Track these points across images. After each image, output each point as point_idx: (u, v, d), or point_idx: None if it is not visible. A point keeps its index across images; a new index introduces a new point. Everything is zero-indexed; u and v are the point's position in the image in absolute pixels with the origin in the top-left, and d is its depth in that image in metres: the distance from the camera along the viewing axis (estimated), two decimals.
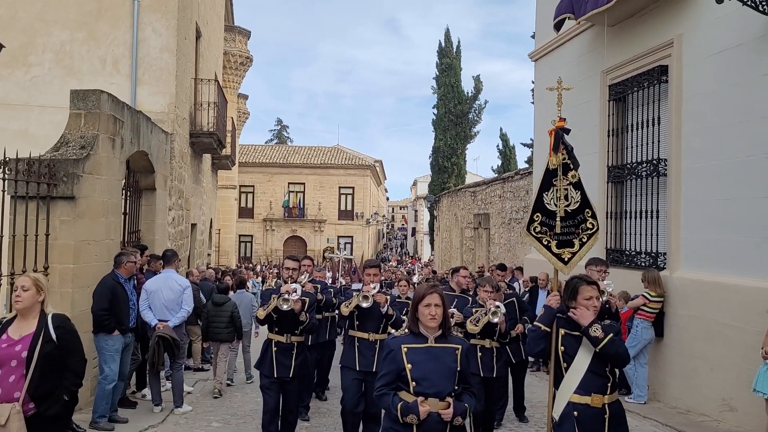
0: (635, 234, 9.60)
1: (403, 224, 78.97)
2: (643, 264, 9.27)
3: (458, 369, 3.64)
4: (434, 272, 23.31)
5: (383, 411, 3.73)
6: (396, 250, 70.54)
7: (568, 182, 5.11)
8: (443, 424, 3.53)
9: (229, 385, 9.68)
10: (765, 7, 6.92)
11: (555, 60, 12.47)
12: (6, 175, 6.77)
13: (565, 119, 5.27)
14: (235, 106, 29.62)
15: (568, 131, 5.21)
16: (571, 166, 5.14)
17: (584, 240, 5.09)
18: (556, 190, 5.11)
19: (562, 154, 5.12)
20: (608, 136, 10.26)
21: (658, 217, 9.03)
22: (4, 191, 6.69)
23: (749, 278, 7.27)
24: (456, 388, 3.62)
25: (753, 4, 6.92)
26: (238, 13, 71.43)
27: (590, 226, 5.09)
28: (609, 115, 10.28)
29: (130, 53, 11.66)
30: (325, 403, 8.71)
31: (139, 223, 10.46)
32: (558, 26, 10.68)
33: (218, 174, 23.29)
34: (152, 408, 7.90)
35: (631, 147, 9.78)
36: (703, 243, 8.16)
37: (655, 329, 8.55)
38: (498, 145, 36.31)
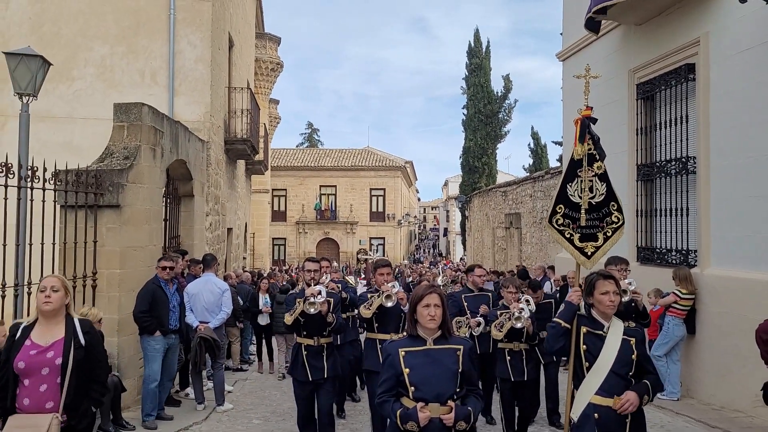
0: (666, 232, 9.64)
1: (435, 224, 78.98)
2: (674, 261, 9.31)
3: (460, 370, 3.51)
4: (458, 272, 23.44)
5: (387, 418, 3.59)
6: (428, 251, 70.61)
7: (593, 173, 4.92)
8: (446, 429, 3.40)
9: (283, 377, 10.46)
10: None
11: (583, 59, 12.50)
12: (56, 186, 7.19)
13: (591, 108, 5.11)
14: (267, 111, 30.12)
15: (594, 120, 5.05)
16: (597, 157, 4.94)
17: (609, 234, 4.90)
18: (581, 181, 4.92)
19: (588, 144, 4.93)
20: (637, 134, 10.31)
21: (688, 215, 9.07)
22: (55, 201, 7.10)
23: None
24: (458, 390, 3.50)
25: None
26: (268, 18, 72.35)
27: (615, 220, 4.89)
28: (637, 114, 10.33)
29: (167, 65, 12.09)
30: (360, 403, 8.86)
31: (178, 228, 10.87)
32: (590, 26, 10.66)
33: (252, 179, 23.77)
34: (195, 406, 8.25)
35: (660, 145, 9.82)
36: (732, 240, 8.18)
37: (687, 326, 8.60)
38: (529, 144, 36.21)
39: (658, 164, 9.83)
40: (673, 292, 8.50)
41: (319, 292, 5.82)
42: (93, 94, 12.11)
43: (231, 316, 9.04)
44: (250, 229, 24.38)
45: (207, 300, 8.21)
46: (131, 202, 8.12)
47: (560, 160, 29.36)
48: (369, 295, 6.18)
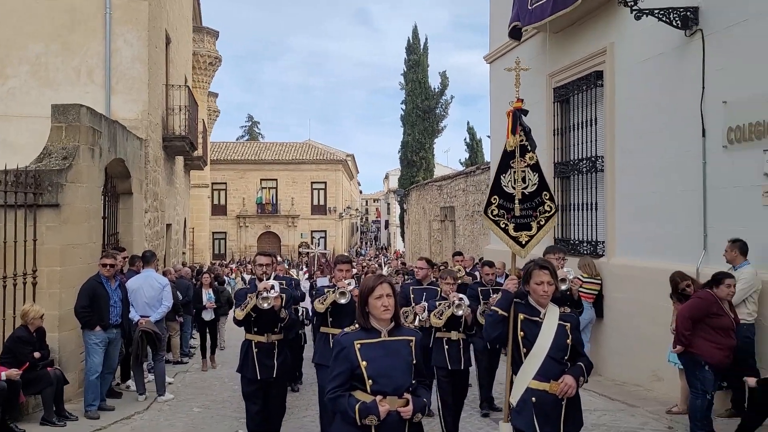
0: (579, 225, 10.50)
1: (376, 217, 79.73)
2: (585, 252, 10.17)
3: (414, 362, 3.51)
4: (404, 264, 24.16)
5: (340, 414, 3.47)
6: (371, 243, 71.32)
7: (525, 164, 4.96)
8: (402, 422, 3.39)
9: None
10: (678, 22, 7.80)
11: (507, 62, 13.26)
12: None
13: (522, 100, 5.16)
14: (206, 105, 30.04)
15: (525, 112, 5.13)
16: (529, 148, 5.00)
17: (542, 223, 4.97)
18: (514, 172, 4.98)
19: (520, 135, 4.98)
20: (554, 134, 11.14)
21: (597, 209, 9.93)
22: None
23: (673, 263, 8.12)
24: (413, 382, 3.51)
25: (667, 20, 7.80)
26: (206, 10, 71.12)
27: (548, 209, 4.96)
28: (554, 116, 11.15)
29: (103, 64, 12.19)
30: (304, 400, 8.80)
31: (117, 225, 11.08)
32: (514, 34, 11.45)
33: (191, 173, 23.78)
34: (137, 397, 8.57)
35: (574, 145, 10.66)
36: (634, 232, 9.06)
37: (596, 310, 9.45)
38: (465, 138, 37.24)
39: (572, 162, 10.67)
40: (576, 277, 9.32)
41: (272, 287, 5.69)
42: (28, 92, 12.10)
43: (170, 310, 9.38)
44: (189, 224, 24.41)
45: (147, 295, 8.55)
46: (70, 201, 8.35)
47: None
48: (325, 290, 6.17)
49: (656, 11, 7.81)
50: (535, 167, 5.01)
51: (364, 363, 3.38)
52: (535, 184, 4.97)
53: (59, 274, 8.14)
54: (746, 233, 6.95)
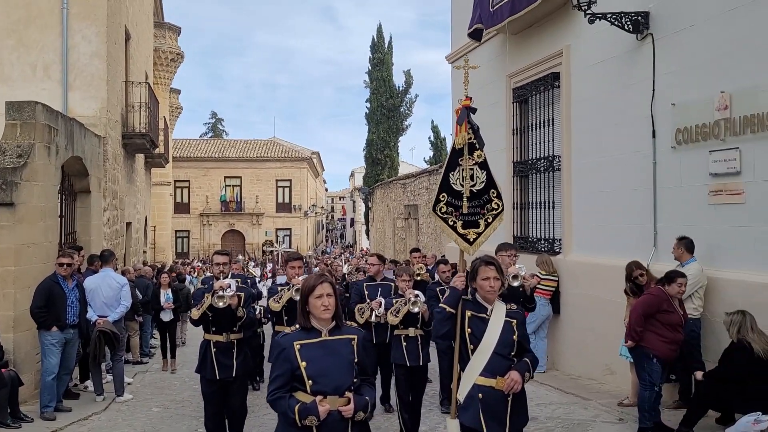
0: (536, 222, 10.72)
1: (342, 215, 79.66)
2: (542, 249, 10.39)
3: (356, 360, 3.50)
4: (369, 262, 24.21)
5: (281, 415, 3.47)
6: (336, 241, 71.22)
7: (473, 162, 4.97)
8: (344, 421, 3.38)
9: None
10: (629, 26, 8.04)
11: (469, 63, 13.46)
12: None
13: (471, 98, 5.16)
14: (167, 102, 29.67)
15: (474, 110, 5.12)
16: (477, 146, 5.00)
17: (489, 220, 4.97)
18: (462, 169, 4.98)
19: (468, 133, 4.98)
20: (513, 134, 11.33)
21: (554, 208, 10.16)
22: None
23: (625, 259, 8.35)
24: (355, 381, 3.49)
25: (619, 24, 8.04)
26: (168, 5, 70.11)
27: (495, 206, 4.98)
28: (513, 116, 11.35)
29: (60, 59, 11.99)
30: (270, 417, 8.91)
31: (75, 224, 10.93)
32: (475, 35, 11.62)
33: (152, 171, 23.48)
34: (95, 398, 8.50)
35: (532, 144, 10.88)
36: (589, 229, 9.30)
37: (553, 306, 9.68)
38: (429, 137, 37.49)
39: (530, 162, 10.89)
40: (534, 274, 9.53)
41: (229, 286, 5.65)
42: None
43: (130, 310, 9.30)
44: (150, 223, 24.10)
45: (106, 294, 8.48)
46: (25, 200, 8.23)
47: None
48: (279, 288, 6.14)
49: (609, 15, 8.03)
50: (483, 165, 5.00)
51: (304, 363, 3.38)
52: (483, 181, 4.97)
53: (14, 274, 8.01)
54: (693, 231, 7.22)
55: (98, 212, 11.73)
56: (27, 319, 7.91)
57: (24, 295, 8.02)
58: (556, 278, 9.67)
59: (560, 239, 10.05)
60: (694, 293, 7.01)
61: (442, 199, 5.04)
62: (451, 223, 5.02)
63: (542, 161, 10.48)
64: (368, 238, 36.74)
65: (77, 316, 8.03)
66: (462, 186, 4.98)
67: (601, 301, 8.82)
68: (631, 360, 7.29)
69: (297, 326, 3.56)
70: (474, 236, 4.99)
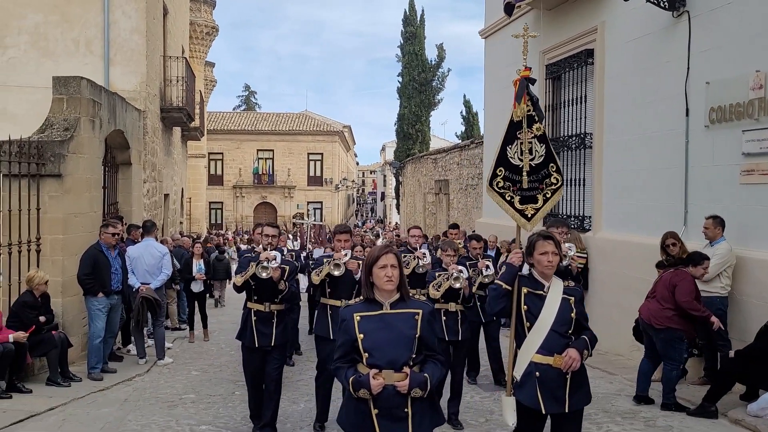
0: (567, 200, 10.78)
1: (372, 189, 79.90)
2: (573, 226, 10.44)
3: (417, 335, 3.37)
4: (398, 236, 24.50)
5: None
6: (367, 215, 71.64)
7: (532, 135, 4.80)
8: (402, 396, 3.29)
9: None
10: (665, 3, 7.99)
11: (501, 38, 13.45)
12: (0, 157, 7.63)
13: (530, 68, 5.00)
14: (202, 75, 30.04)
15: (533, 81, 5.00)
16: (536, 118, 4.84)
17: (548, 195, 4.82)
18: (521, 143, 4.81)
19: (527, 105, 4.80)
20: (546, 111, 11.33)
21: (584, 185, 10.21)
22: None
23: (655, 237, 8.43)
24: (415, 356, 3.37)
25: (655, 1, 7.99)
26: None
27: (554, 181, 4.81)
28: (546, 92, 11.35)
29: (102, 35, 12.32)
30: (306, 373, 8.70)
31: (117, 195, 11.34)
32: (507, 10, 11.62)
33: (187, 144, 23.94)
34: (137, 361, 8.93)
35: (565, 122, 10.89)
36: (619, 207, 9.36)
37: (582, 283, 9.78)
38: (461, 111, 37.26)
39: (562, 139, 10.92)
40: (576, 254, 9.64)
41: (275, 258, 5.72)
42: (27, 63, 12.25)
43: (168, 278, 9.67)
44: (186, 194, 24.64)
45: (148, 263, 8.87)
46: (72, 172, 8.59)
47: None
48: (325, 261, 6.14)
49: None
50: (542, 138, 4.83)
51: (361, 336, 3.34)
52: (542, 155, 4.80)
53: (62, 242, 8.41)
54: (724, 210, 7.24)
55: (138, 184, 12.13)
56: (74, 284, 8.33)
57: (71, 262, 8.42)
58: (585, 255, 9.76)
59: (590, 216, 10.12)
60: (723, 272, 7.06)
61: (499, 173, 4.87)
62: (509, 198, 4.86)
63: (574, 138, 10.50)
64: (398, 213, 36.95)
65: (120, 283, 8.42)
66: (521, 160, 4.82)
67: (630, 278, 8.91)
68: None
69: (361, 297, 3.53)
70: (532, 212, 4.84)
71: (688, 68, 7.86)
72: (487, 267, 6.90)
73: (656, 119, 8.55)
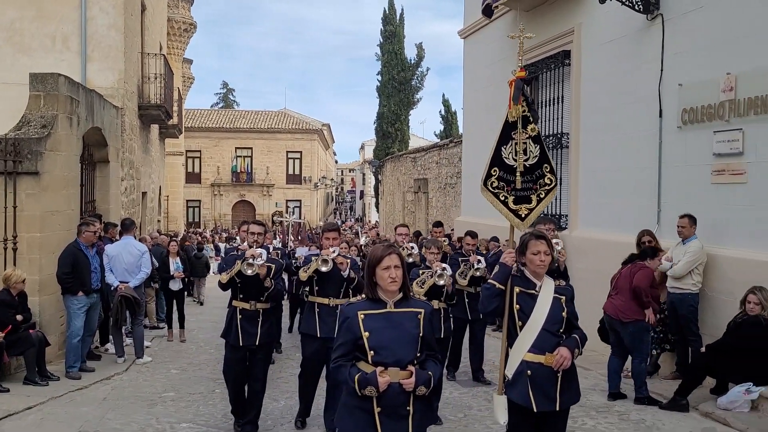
0: None
1: (351, 187, 79.88)
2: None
3: (421, 334, 3.43)
4: (378, 234, 24.56)
5: (343, 384, 3.50)
6: (346, 213, 71.58)
7: (527, 136, 4.84)
8: (406, 394, 3.33)
9: None
10: (640, 6, 8.16)
11: (481, 38, 13.60)
12: None
13: (526, 69, 5.06)
14: (180, 72, 29.82)
15: (529, 82, 5.25)
16: (531, 119, 4.89)
17: (542, 196, 4.88)
18: (515, 143, 4.84)
19: (522, 106, 4.85)
20: None
21: (561, 185, 10.36)
22: None
23: (629, 235, 8.60)
24: (419, 355, 3.42)
25: (629, 4, 8.16)
26: None
27: (548, 182, 4.86)
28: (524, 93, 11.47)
29: (79, 31, 12.20)
30: (286, 371, 8.74)
31: (94, 193, 11.24)
32: (486, 12, 11.78)
33: (165, 141, 23.76)
34: (116, 359, 8.89)
35: (542, 122, 11.03)
36: (595, 206, 9.53)
37: None
38: (440, 111, 37.46)
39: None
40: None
41: (260, 255, 5.70)
42: (2, 59, 12.08)
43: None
44: (164, 192, 24.45)
45: (127, 261, 8.83)
46: (49, 169, 8.52)
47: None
48: (313, 258, 6.11)
49: None
50: (537, 139, 4.89)
51: (367, 334, 3.35)
52: (536, 156, 4.86)
53: (39, 240, 8.34)
54: (696, 209, 7.43)
55: (116, 181, 12.03)
56: (51, 283, 8.27)
57: (48, 260, 8.36)
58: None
59: (567, 215, 10.28)
60: (694, 269, 7.24)
61: (494, 173, 4.90)
62: (503, 198, 4.89)
63: (551, 138, 10.66)
64: (378, 211, 37.04)
65: (99, 281, 8.39)
66: (515, 160, 4.85)
67: (605, 275, 8.98)
68: None
69: (363, 296, 3.54)
70: (526, 212, 4.89)
71: (662, 70, 8.05)
72: (479, 261, 7.08)
73: (631, 120, 8.72)
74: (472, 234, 8.07)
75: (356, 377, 3.31)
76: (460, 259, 7.68)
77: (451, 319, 7.14)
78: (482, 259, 7.16)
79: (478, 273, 6.89)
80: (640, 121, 8.52)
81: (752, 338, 6.11)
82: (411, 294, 3.56)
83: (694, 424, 6.05)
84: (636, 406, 6.63)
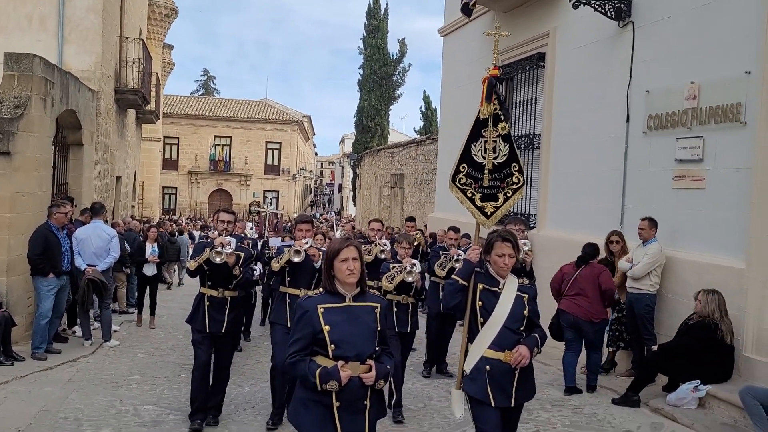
0: None
1: (330, 180, 79.76)
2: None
3: (378, 329, 3.44)
4: (354, 228, 24.67)
5: (300, 379, 3.43)
6: (324, 206, 71.50)
7: (497, 134, 4.84)
8: (365, 388, 3.33)
9: None
10: (612, 13, 8.37)
11: (460, 37, 13.75)
12: None
13: (499, 68, 5.04)
14: (160, 57, 29.56)
15: (501, 80, 5.19)
16: (502, 117, 4.89)
17: (509, 195, 4.90)
18: (485, 141, 4.83)
19: (494, 104, 4.84)
20: None
21: (531, 184, 10.57)
22: None
23: (594, 236, 8.82)
24: (377, 349, 3.43)
25: (602, 10, 8.36)
26: None
27: (516, 181, 4.88)
28: None
29: (56, 12, 12.12)
30: (253, 358, 8.80)
31: (67, 176, 11.20)
32: (465, 11, 11.93)
33: (142, 127, 23.60)
34: (83, 342, 8.90)
35: (515, 122, 11.23)
36: (563, 206, 9.75)
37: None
38: (421, 107, 37.60)
39: (513, 139, 11.24)
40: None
41: (229, 243, 5.73)
42: None
43: (117, 261, 9.65)
44: (139, 178, 24.29)
45: (96, 245, 8.85)
46: (21, 150, 8.49)
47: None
48: (285, 249, 6.09)
49: (593, 1, 8.34)
50: (507, 137, 4.89)
51: (327, 327, 3.31)
52: (505, 155, 4.85)
53: (8, 221, 8.32)
54: (657, 212, 7.65)
55: (90, 165, 12.00)
56: (19, 264, 8.26)
57: (17, 241, 8.34)
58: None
59: (536, 214, 10.49)
60: (653, 271, 7.46)
61: (462, 170, 4.88)
62: (470, 195, 4.89)
63: (523, 139, 10.86)
64: (355, 205, 37.12)
65: (69, 263, 8.40)
66: (484, 158, 4.84)
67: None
68: None
69: (321, 290, 3.50)
70: (492, 210, 4.89)
71: (631, 76, 8.26)
72: (459, 255, 7.28)
73: (600, 124, 8.94)
74: (455, 229, 8.37)
75: (317, 372, 3.25)
76: (441, 252, 7.96)
77: (426, 314, 7.26)
78: (462, 253, 7.32)
79: (457, 265, 6.92)
80: (608, 125, 8.74)
81: (700, 340, 6.35)
82: (367, 288, 3.54)
83: (644, 419, 6.27)
84: (589, 400, 6.86)
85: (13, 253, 8.31)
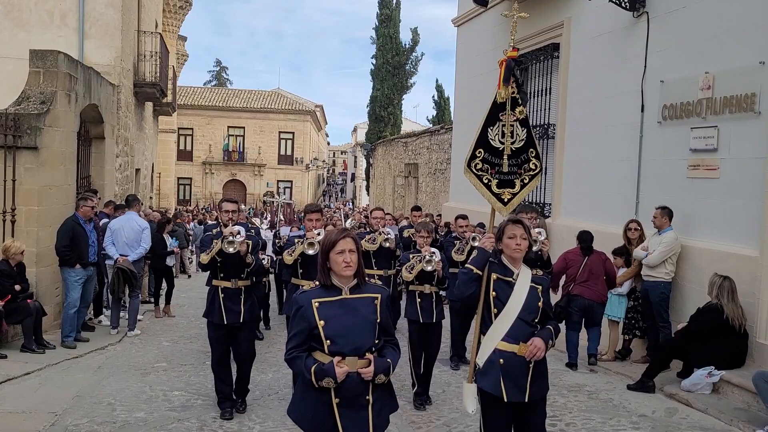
0: None
1: (343, 169, 79.90)
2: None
3: (378, 321, 3.30)
4: (366, 217, 24.83)
5: (299, 375, 3.35)
6: (336, 196, 71.73)
7: (515, 118, 4.65)
8: (365, 384, 3.21)
9: None
10: (626, 3, 8.43)
11: (474, 27, 13.82)
12: None
13: (517, 49, 4.90)
14: (174, 49, 29.78)
15: (519, 63, 4.91)
16: (520, 102, 4.70)
17: (526, 181, 4.69)
18: (503, 125, 4.64)
19: (512, 87, 4.66)
20: None
21: (546, 174, 10.68)
22: None
23: (608, 225, 8.97)
24: (377, 342, 3.30)
25: (617, 1, 8.42)
26: None
27: (533, 167, 4.68)
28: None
29: (77, 8, 12.31)
30: (274, 346, 8.96)
31: (89, 169, 11.44)
32: (480, 1, 12.01)
33: (158, 119, 23.86)
34: (110, 331, 9.18)
35: (530, 112, 11.31)
36: (578, 196, 9.86)
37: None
38: (433, 96, 37.56)
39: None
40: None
41: (239, 232, 5.70)
42: (1, 33, 12.20)
43: None
44: (156, 169, 24.58)
45: (128, 236, 9.17)
46: (48, 144, 8.74)
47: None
48: (296, 240, 6.04)
49: None
50: (524, 122, 4.69)
51: (322, 322, 3.21)
52: (522, 140, 4.65)
53: (37, 213, 8.58)
54: (672, 202, 7.75)
55: (111, 158, 12.23)
56: (48, 255, 8.52)
57: (46, 233, 8.60)
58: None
59: (551, 204, 10.61)
60: (668, 259, 7.58)
61: (479, 155, 4.68)
62: (486, 181, 4.68)
63: (538, 129, 10.94)
64: (368, 194, 37.27)
65: (96, 255, 8.65)
66: (502, 143, 4.65)
67: None
68: (613, 318, 8.08)
69: (317, 283, 3.38)
70: (509, 196, 4.68)
71: (645, 66, 8.34)
72: (474, 238, 7.47)
73: (615, 113, 9.03)
74: (463, 216, 8.46)
75: (312, 368, 3.17)
76: (455, 241, 8.15)
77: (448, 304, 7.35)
78: (477, 235, 7.48)
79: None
80: (623, 115, 8.82)
81: (708, 322, 6.52)
82: (366, 279, 3.42)
83: (658, 403, 6.41)
84: (605, 386, 7.00)
85: (41, 245, 8.58)
